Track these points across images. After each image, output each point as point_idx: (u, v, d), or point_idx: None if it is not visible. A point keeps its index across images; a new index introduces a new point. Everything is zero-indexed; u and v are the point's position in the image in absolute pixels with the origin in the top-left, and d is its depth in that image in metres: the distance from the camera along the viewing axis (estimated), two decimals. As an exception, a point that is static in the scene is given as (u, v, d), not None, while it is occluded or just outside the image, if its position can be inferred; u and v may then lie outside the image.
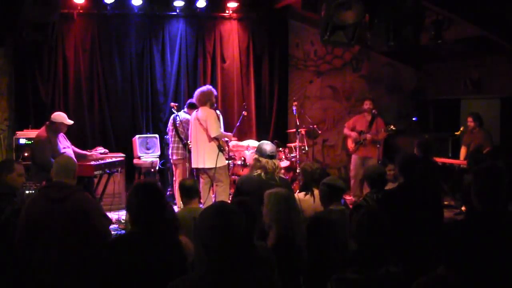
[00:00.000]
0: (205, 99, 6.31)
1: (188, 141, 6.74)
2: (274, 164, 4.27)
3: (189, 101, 7.55)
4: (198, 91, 6.45)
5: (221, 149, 6.18)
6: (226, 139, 6.50)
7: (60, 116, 6.14)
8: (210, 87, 6.55)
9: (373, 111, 7.57)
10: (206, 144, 6.23)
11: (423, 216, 3.74)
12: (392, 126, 7.25)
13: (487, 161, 5.54)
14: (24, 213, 3.31)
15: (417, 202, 3.79)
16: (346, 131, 7.91)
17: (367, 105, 7.65)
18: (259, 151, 4.36)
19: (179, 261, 2.56)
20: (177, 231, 3.01)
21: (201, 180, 6.41)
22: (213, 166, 6.12)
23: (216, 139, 6.21)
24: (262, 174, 4.22)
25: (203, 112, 6.29)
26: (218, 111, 6.80)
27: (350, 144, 7.78)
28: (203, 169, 6.32)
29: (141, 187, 2.68)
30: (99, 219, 3.36)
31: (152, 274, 2.44)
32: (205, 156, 6.23)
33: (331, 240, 3.36)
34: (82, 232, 3.22)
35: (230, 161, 7.09)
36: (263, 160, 4.27)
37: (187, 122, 7.18)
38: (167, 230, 2.71)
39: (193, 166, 6.42)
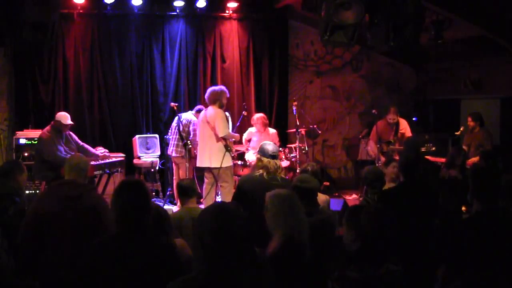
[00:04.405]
0: (215, 98, 6.29)
1: (188, 141, 6.74)
2: (276, 164, 4.27)
3: (200, 107, 7.55)
4: (209, 90, 6.44)
5: (228, 149, 6.16)
6: (233, 139, 6.48)
7: (60, 116, 6.17)
8: (223, 87, 6.52)
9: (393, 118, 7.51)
10: (214, 143, 6.21)
11: (421, 216, 3.74)
12: (432, 147, 7.15)
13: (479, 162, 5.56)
14: (32, 211, 3.28)
15: (416, 201, 3.79)
16: (372, 145, 7.73)
17: (393, 114, 7.52)
18: (261, 151, 4.37)
19: (166, 263, 2.46)
20: (167, 233, 2.98)
21: (205, 180, 6.41)
22: (219, 166, 6.10)
23: (224, 139, 6.19)
24: (264, 174, 4.23)
25: (211, 111, 6.26)
26: (227, 113, 6.78)
27: (373, 150, 7.63)
28: (208, 168, 6.30)
29: (128, 186, 2.59)
30: (110, 218, 3.33)
31: (136, 276, 2.38)
32: (211, 156, 6.20)
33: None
34: (95, 230, 3.20)
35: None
36: (265, 160, 4.28)
37: (187, 124, 7.18)
38: (154, 232, 2.66)
39: (198, 165, 6.42)
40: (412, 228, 3.64)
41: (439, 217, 4.01)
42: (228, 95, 6.53)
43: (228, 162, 6.23)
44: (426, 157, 6.71)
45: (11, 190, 3.81)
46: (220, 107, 6.32)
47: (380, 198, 4.07)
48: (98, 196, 3.41)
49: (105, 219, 3.26)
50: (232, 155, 6.38)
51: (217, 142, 6.18)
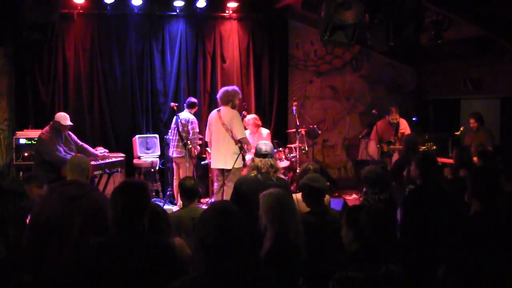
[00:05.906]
0: (227, 99, 6.23)
1: (188, 141, 6.72)
2: (268, 162, 4.22)
3: (188, 100, 7.54)
4: (222, 90, 6.39)
5: (242, 150, 6.11)
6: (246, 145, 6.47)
7: (59, 116, 6.16)
8: (236, 88, 6.46)
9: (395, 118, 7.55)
10: (230, 145, 6.15)
11: (437, 219, 3.67)
12: (433, 146, 7.17)
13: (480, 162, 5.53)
14: (36, 211, 3.28)
15: (437, 204, 3.72)
16: (372, 145, 7.80)
17: (395, 114, 7.58)
18: (255, 151, 4.37)
19: (165, 263, 2.45)
20: (165, 232, 2.98)
21: (215, 183, 6.40)
22: (231, 167, 6.08)
23: (240, 141, 6.16)
24: (258, 174, 4.21)
25: (226, 112, 6.20)
26: None
27: (373, 150, 7.65)
28: (221, 170, 6.26)
29: (129, 187, 2.58)
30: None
31: (135, 276, 2.37)
32: (226, 157, 6.15)
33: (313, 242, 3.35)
34: (98, 229, 3.19)
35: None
36: (257, 159, 4.26)
37: (186, 124, 7.17)
38: (152, 231, 2.65)
39: (213, 166, 6.40)
40: (428, 229, 3.58)
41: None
42: (240, 96, 6.49)
43: (240, 163, 6.20)
44: None
45: (20, 189, 3.80)
46: (233, 107, 6.27)
47: (404, 202, 3.98)
48: (101, 196, 3.41)
49: (108, 219, 3.25)
50: (246, 156, 6.32)
51: (233, 144, 6.13)
